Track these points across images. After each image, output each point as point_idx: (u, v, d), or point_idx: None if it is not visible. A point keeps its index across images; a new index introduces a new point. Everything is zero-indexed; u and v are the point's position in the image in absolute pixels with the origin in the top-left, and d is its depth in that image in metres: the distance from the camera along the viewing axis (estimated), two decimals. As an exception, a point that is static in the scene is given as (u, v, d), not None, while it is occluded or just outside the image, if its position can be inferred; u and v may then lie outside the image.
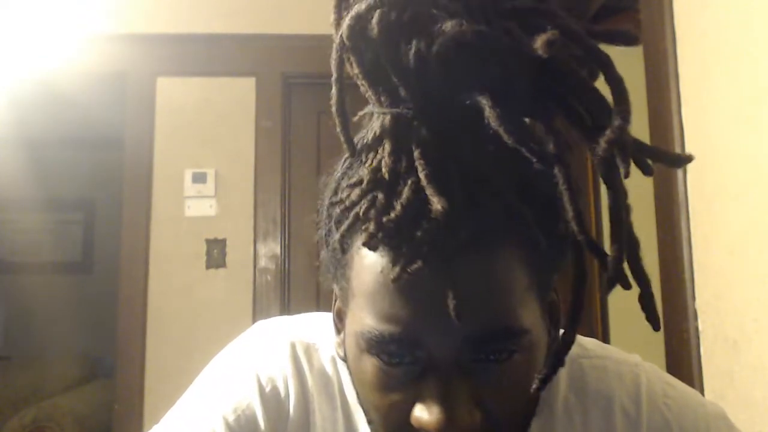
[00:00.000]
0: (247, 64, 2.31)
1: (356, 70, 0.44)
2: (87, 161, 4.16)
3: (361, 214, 0.45)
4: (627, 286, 0.41)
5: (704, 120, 1.30)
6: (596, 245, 0.42)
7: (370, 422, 0.53)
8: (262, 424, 0.59)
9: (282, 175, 2.27)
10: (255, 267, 2.22)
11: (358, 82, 0.45)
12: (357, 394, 0.54)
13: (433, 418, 0.45)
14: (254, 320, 2.17)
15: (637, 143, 0.42)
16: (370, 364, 0.49)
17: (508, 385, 0.47)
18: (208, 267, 2.22)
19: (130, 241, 2.22)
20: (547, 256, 0.47)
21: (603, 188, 1.64)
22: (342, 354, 0.57)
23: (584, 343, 0.65)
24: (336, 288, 0.56)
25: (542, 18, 0.40)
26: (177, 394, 0.66)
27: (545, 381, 0.43)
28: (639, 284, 0.42)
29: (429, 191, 0.41)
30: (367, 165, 0.46)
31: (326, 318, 0.67)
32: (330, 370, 0.63)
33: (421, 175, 0.42)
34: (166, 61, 2.30)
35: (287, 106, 2.33)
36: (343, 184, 0.49)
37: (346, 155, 0.48)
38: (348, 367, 0.54)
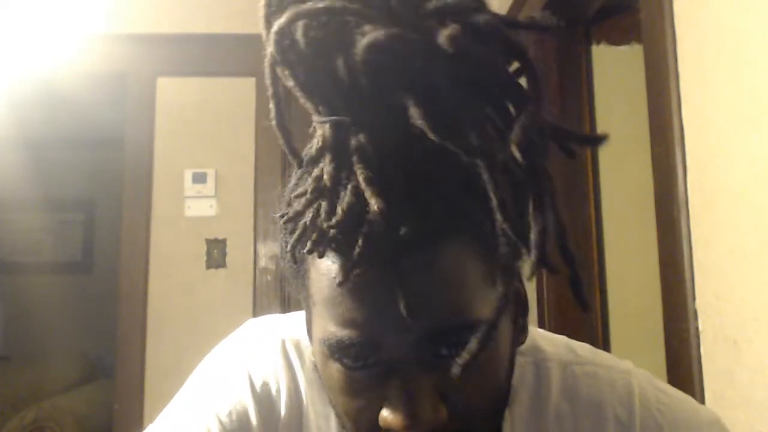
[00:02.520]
0: (247, 64, 2.31)
1: (291, 83, 0.45)
2: (87, 161, 4.16)
3: (307, 223, 0.46)
4: (554, 270, 0.41)
5: (704, 120, 1.30)
6: (519, 234, 0.41)
7: (342, 426, 0.53)
8: (254, 421, 0.59)
9: (282, 175, 2.27)
10: (255, 267, 2.22)
11: (296, 95, 0.45)
12: (330, 401, 0.54)
13: (398, 418, 0.45)
14: (254, 320, 2.18)
15: (555, 127, 0.42)
16: (335, 369, 0.49)
17: (474, 379, 0.47)
18: (208, 267, 2.22)
19: (130, 241, 2.22)
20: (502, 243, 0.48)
21: (604, 190, 1.64)
22: (315, 363, 0.57)
23: (576, 349, 0.64)
24: (302, 300, 0.56)
25: (454, 15, 0.41)
26: (177, 393, 0.66)
27: (487, 335, 0.43)
28: (566, 265, 0.42)
29: (367, 193, 0.42)
30: (311, 175, 0.46)
31: None
32: None
33: (360, 179, 0.42)
34: (166, 61, 2.30)
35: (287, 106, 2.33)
36: (292, 196, 0.49)
37: (294, 169, 0.49)
38: (319, 373, 0.55)
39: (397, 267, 0.44)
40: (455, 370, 0.43)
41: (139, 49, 2.29)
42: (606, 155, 2.12)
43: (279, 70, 0.44)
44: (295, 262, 0.52)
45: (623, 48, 2.15)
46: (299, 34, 0.42)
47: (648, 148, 1.45)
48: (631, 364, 0.64)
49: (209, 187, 2.24)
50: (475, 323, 0.45)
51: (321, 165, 0.45)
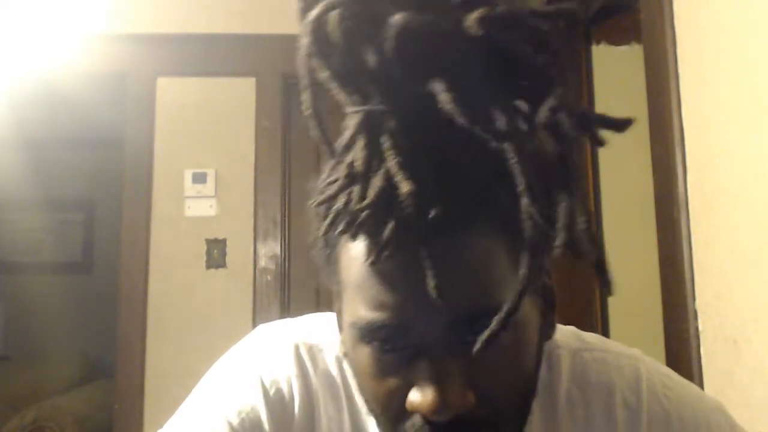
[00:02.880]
0: (247, 64, 2.31)
1: (325, 74, 0.45)
2: (87, 161, 4.16)
3: (340, 208, 0.47)
4: (578, 254, 0.42)
5: (704, 120, 1.30)
6: (543, 219, 0.42)
7: (371, 411, 0.54)
8: (266, 426, 0.59)
9: (282, 175, 2.27)
10: (255, 267, 2.22)
11: (329, 86, 0.46)
12: (357, 385, 0.55)
13: (427, 401, 0.46)
14: (254, 320, 2.18)
15: (583, 112, 0.43)
16: (365, 353, 0.50)
17: (501, 366, 0.48)
18: (208, 267, 2.22)
19: (130, 241, 2.22)
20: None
21: (604, 190, 1.64)
22: (344, 351, 0.58)
23: (585, 337, 0.66)
24: (333, 287, 0.57)
25: (482, 3, 0.42)
26: (177, 394, 0.66)
27: (509, 314, 0.44)
28: (592, 249, 0.43)
29: (397, 177, 0.43)
30: (344, 163, 0.47)
31: (329, 319, 0.67)
32: (335, 370, 0.63)
33: (391, 164, 0.44)
34: (166, 61, 2.30)
35: (287, 106, 2.33)
36: (326, 183, 0.50)
37: (329, 159, 0.50)
38: (348, 361, 0.56)
39: (427, 250, 0.44)
40: (477, 348, 0.43)
41: (139, 49, 2.29)
42: (606, 155, 2.12)
43: (313, 61, 0.45)
44: (327, 246, 0.53)
45: (623, 48, 2.15)
46: (333, 25, 0.43)
47: (648, 148, 1.45)
48: (639, 351, 0.65)
49: (209, 187, 2.24)
50: (502, 308, 0.46)
51: (353, 152, 0.46)
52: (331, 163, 0.51)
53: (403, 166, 0.43)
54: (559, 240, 0.41)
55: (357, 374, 0.53)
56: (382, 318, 0.47)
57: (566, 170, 0.42)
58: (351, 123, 0.47)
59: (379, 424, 0.53)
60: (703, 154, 1.31)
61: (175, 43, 2.31)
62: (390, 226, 0.44)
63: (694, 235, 1.34)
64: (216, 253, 2.22)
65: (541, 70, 0.43)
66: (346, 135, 0.47)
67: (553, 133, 0.41)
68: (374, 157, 0.45)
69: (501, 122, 0.41)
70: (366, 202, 0.45)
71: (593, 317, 2.25)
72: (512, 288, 0.47)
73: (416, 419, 0.48)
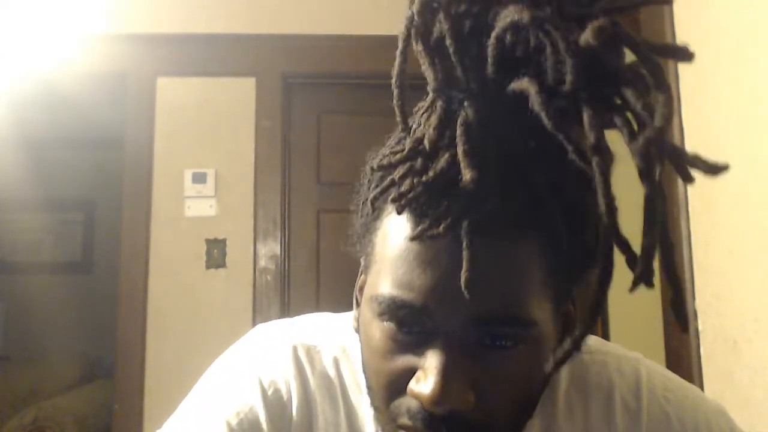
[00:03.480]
0: (247, 64, 2.31)
1: (420, 47, 0.45)
2: (87, 161, 4.16)
3: (396, 178, 0.47)
4: (650, 284, 0.41)
5: (704, 120, 1.30)
6: (624, 238, 0.42)
7: (368, 388, 0.54)
8: (265, 427, 0.59)
9: (282, 175, 2.27)
10: (255, 267, 2.22)
11: (420, 60, 0.46)
12: (362, 360, 0.55)
13: (428, 389, 0.46)
14: (254, 320, 2.18)
15: (676, 148, 0.42)
16: (379, 329, 0.50)
17: (507, 375, 0.48)
18: (208, 267, 2.22)
19: (130, 241, 2.22)
20: (568, 259, 0.48)
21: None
22: (356, 326, 0.58)
23: (585, 339, 0.65)
24: (362, 259, 0.58)
25: (600, 14, 0.41)
26: (177, 393, 0.66)
27: (558, 365, 0.43)
28: (671, 284, 0.41)
29: (463, 162, 0.43)
30: (411, 137, 0.47)
31: (327, 319, 0.67)
32: (332, 371, 0.63)
33: (459, 150, 0.43)
34: (166, 61, 2.30)
35: (287, 106, 2.33)
36: (389, 152, 0.50)
37: (397, 131, 0.50)
38: (359, 334, 0.56)
39: (469, 242, 0.44)
40: (566, 350, 0.42)
41: (139, 49, 2.29)
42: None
43: (413, 32, 0.45)
44: (374, 217, 0.53)
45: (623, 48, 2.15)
46: (444, 1, 0.43)
47: (648, 148, 1.45)
48: (639, 354, 0.65)
49: (209, 187, 2.24)
50: (527, 322, 0.46)
51: (424, 129, 0.46)
52: (399, 135, 0.51)
53: (470, 154, 0.43)
54: (638, 270, 0.40)
55: (365, 349, 0.53)
56: (407, 297, 0.47)
57: (652, 200, 0.41)
58: (429, 100, 0.47)
59: (373, 401, 0.53)
60: (703, 154, 1.31)
61: (175, 43, 2.31)
62: (443, 206, 0.45)
63: (693, 235, 1.34)
64: (216, 253, 2.22)
65: (644, 98, 0.41)
66: (421, 111, 0.48)
67: (643, 163, 0.40)
68: (444, 138, 0.45)
69: (591, 137, 0.40)
70: (426, 177, 0.45)
71: (593, 317, 2.25)
72: (541, 307, 0.47)
73: (412, 403, 0.48)
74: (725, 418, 0.62)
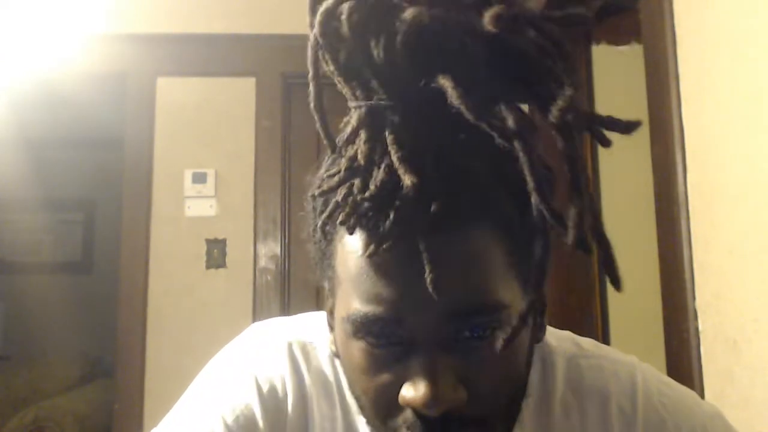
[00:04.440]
0: (247, 64, 2.31)
1: (331, 68, 0.46)
2: (87, 161, 4.15)
3: (339, 200, 0.47)
4: (587, 251, 0.42)
5: (704, 120, 1.30)
6: (557, 212, 0.43)
7: (361, 408, 0.54)
8: (261, 424, 0.59)
9: (282, 175, 2.27)
10: (255, 267, 2.22)
11: (335, 79, 0.46)
12: (348, 381, 0.55)
13: (419, 394, 0.46)
14: (254, 320, 2.17)
15: (591, 114, 0.43)
16: (357, 348, 0.50)
17: (492, 363, 0.48)
18: (208, 267, 2.22)
19: (130, 241, 2.22)
20: (523, 239, 0.49)
21: (604, 190, 1.64)
22: (335, 350, 0.58)
23: (581, 342, 0.65)
24: (325, 283, 0.58)
25: (498, 1, 0.42)
26: (177, 393, 0.66)
27: (509, 340, 0.45)
28: (599, 247, 0.43)
29: (401, 170, 0.43)
30: (345, 156, 0.47)
31: (322, 317, 0.68)
32: (328, 368, 0.63)
33: (394, 158, 0.44)
34: (166, 61, 2.30)
35: (287, 106, 2.33)
36: (325, 176, 0.50)
37: (328, 153, 0.50)
38: (339, 357, 0.56)
39: (425, 244, 0.45)
40: (500, 347, 0.44)
41: (139, 49, 2.29)
42: (606, 155, 2.12)
43: (320, 54, 0.45)
44: (324, 240, 0.53)
45: (623, 48, 2.15)
46: (343, 17, 0.43)
47: (648, 148, 1.45)
48: (635, 358, 0.65)
49: (209, 187, 2.24)
50: (497, 307, 0.47)
51: (355, 146, 0.46)
52: (331, 157, 0.51)
53: (405, 159, 0.43)
54: (569, 238, 0.41)
55: (348, 371, 0.53)
56: (378, 311, 0.47)
57: (575, 169, 0.42)
58: (354, 117, 0.47)
59: (369, 421, 0.53)
60: (703, 154, 1.31)
61: (175, 43, 2.31)
62: (391, 217, 0.45)
63: (693, 234, 1.34)
64: (216, 253, 2.22)
65: (551, 72, 0.43)
66: (348, 129, 0.48)
67: (562, 133, 0.41)
68: (377, 150, 0.45)
69: (510, 120, 0.41)
70: (368, 193, 0.45)
71: (593, 318, 2.25)
72: (508, 288, 0.48)
73: (408, 414, 0.48)
74: (722, 421, 0.62)
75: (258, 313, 2.19)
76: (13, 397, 3.40)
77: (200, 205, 2.24)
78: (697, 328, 1.32)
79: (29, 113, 3.03)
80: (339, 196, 0.47)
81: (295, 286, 2.28)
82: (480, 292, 0.47)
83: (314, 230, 0.55)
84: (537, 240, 0.46)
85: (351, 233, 0.48)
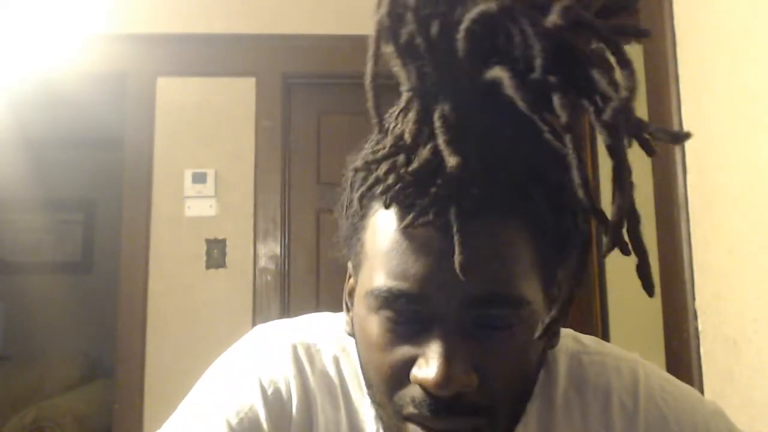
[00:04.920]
0: (247, 64, 2.31)
1: (391, 49, 0.46)
2: (87, 161, 4.15)
3: (381, 174, 0.48)
4: (626, 252, 0.43)
5: (704, 120, 1.30)
6: (599, 209, 0.43)
7: (369, 386, 0.54)
8: (265, 426, 0.59)
9: (282, 175, 2.27)
10: (255, 267, 2.22)
11: (391, 62, 0.47)
12: (360, 359, 0.56)
13: (432, 374, 0.47)
14: (254, 320, 2.18)
15: (641, 121, 0.44)
16: (376, 323, 0.51)
17: (506, 356, 0.49)
18: (208, 267, 2.22)
19: (130, 241, 2.22)
20: (553, 241, 0.49)
21: (604, 190, 1.64)
22: (350, 330, 0.59)
23: (583, 339, 0.66)
24: (350, 261, 0.58)
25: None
26: (177, 393, 0.66)
27: (548, 329, 0.45)
28: (637, 253, 0.43)
29: (446, 151, 0.44)
30: (391, 134, 0.48)
31: (326, 319, 0.68)
32: (332, 370, 0.63)
33: (440, 140, 0.44)
34: (166, 61, 2.30)
35: (287, 106, 2.33)
36: (369, 152, 0.51)
37: (374, 134, 0.51)
38: (355, 336, 0.56)
39: (459, 225, 0.46)
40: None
41: (139, 49, 2.29)
42: (606, 155, 2.12)
43: (383, 34, 0.46)
44: (362, 216, 0.54)
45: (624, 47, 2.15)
46: (412, 3, 0.44)
47: (648, 148, 1.45)
48: (637, 355, 0.65)
49: (209, 187, 2.24)
50: (519, 301, 0.48)
51: (403, 126, 0.47)
52: (377, 137, 0.52)
53: (451, 142, 0.44)
54: (610, 235, 0.42)
55: (363, 347, 0.54)
56: (403, 286, 0.48)
57: (621, 171, 0.43)
58: (404, 99, 0.48)
59: (376, 399, 0.54)
60: (703, 155, 1.31)
61: (175, 43, 2.31)
62: (430, 195, 0.46)
63: (693, 235, 1.34)
64: (216, 253, 2.22)
65: (608, 74, 0.43)
66: (397, 110, 0.49)
67: (611, 134, 0.42)
68: (423, 131, 0.46)
69: (563, 116, 0.41)
70: (411, 168, 0.46)
71: (593, 317, 2.25)
72: (531, 287, 0.49)
73: (416, 391, 0.49)
74: (723, 419, 0.62)
75: (258, 313, 2.19)
76: (13, 397, 3.40)
77: (200, 205, 2.24)
78: (697, 328, 1.32)
79: (29, 113, 3.03)
80: (381, 170, 0.48)
81: (295, 286, 2.28)
82: (504, 283, 0.48)
83: (350, 204, 0.55)
84: (573, 252, 0.46)
85: (388, 207, 0.49)
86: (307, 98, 2.35)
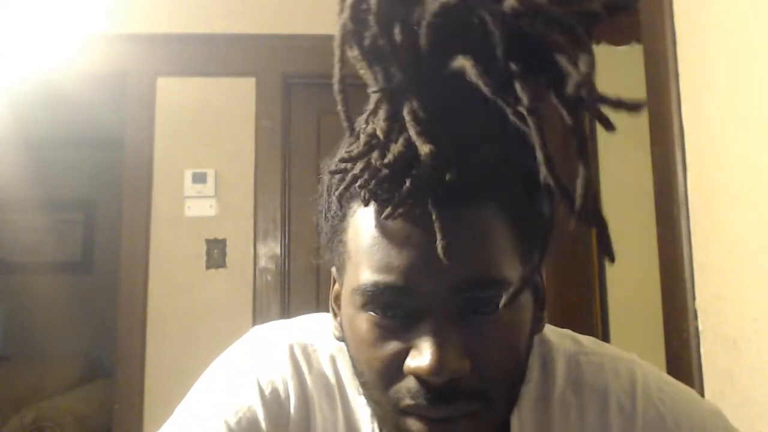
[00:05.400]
0: (247, 64, 2.31)
1: (356, 52, 0.47)
2: (87, 161, 4.16)
3: (357, 172, 0.49)
4: (590, 225, 0.44)
5: (704, 120, 1.30)
6: (563, 185, 0.44)
7: (363, 385, 0.55)
8: (263, 426, 0.59)
9: (282, 175, 2.27)
10: (255, 267, 2.22)
11: (357, 65, 0.48)
12: (352, 360, 0.56)
13: (425, 362, 0.47)
14: (254, 320, 2.18)
15: (602, 95, 0.44)
16: (364, 321, 0.51)
17: (496, 338, 0.50)
18: (208, 267, 2.22)
19: (130, 241, 2.22)
20: (529, 223, 0.50)
21: (604, 190, 1.65)
22: (339, 335, 0.59)
23: (581, 340, 0.66)
24: (334, 266, 0.59)
25: None
26: (177, 393, 0.66)
27: (513, 296, 0.45)
28: (596, 226, 0.44)
29: (418, 141, 0.45)
30: (363, 134, 0.49)
31: (323, 319, 0.68)
32: (329, 370, 0.63)
33: (412, 132, 0.45)
34: (166, 61, 2.30)
35: (287, 106, 2.33)
36: (343, 153, 0.52)
37: (345, 137, 0.52)
38: (345, 335, 0.57)
39: (438, 213, 0.46)
40: (502, 304, 0.45)
41: (139, 49, 2.29)
42: (606, 155, 2.12)
43: (348, 36, 0.47)
44: (341, 218, 0.54)
45: (623, 48, 2.15)
46: (372, 2, 0.45)
47: (648, 148, 1.45)
48: (635, 356, 0.65)
49: (209, 187, 2.24)
50: (503, 282, 0.48)
51: (374, 125, 0.48)
52: (349, 139, 0.52)
53: (423, 134, 0.45)
54: (577, 207, 0.43)
55: (353, 346, 0.54)
56: (388, 279, 0.49)
57: (582, 143, 0.44)
58: (372, 101, 0.49)
59: (371, 396, 0.54)
60: (703, 154, 1.31)
61: (175, 43, 2.31)
62: (407, 183, 0.46)
63: (693, 234, 1.34)
64: (216, 253, 2.22)
65: (566, 52, 0.44)
66: (367, 111, 0.49)
67: (571, 108, 0.43)
68: (395, 128, 0.47)
69: (525, 97, 0.42)
70: (385, 160, 0.47)
71: (593, 317, 2.25)
72: (513, 268, 0.49)
73: (411, 383, 0.49)
74: (721, 419, 0.62)
75: (258, 313, 2.19)
76: (13, 397, 3.40)
77: (200, 205, 2.24)
78: (697, 328, 1.32)
79: (29, 113, 3.03)
80: (357, 168, 0.49)
81: (295, 286, 2.28)
82: (487, 266, 0.49)
83: (329, 207, 0.56)
84: (542, 220, 0.47)
85: (366, 204, 0.50)
86: (307, 98, 2.35)
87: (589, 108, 0.43)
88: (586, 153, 0.43)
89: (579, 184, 0.43)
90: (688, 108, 1.36)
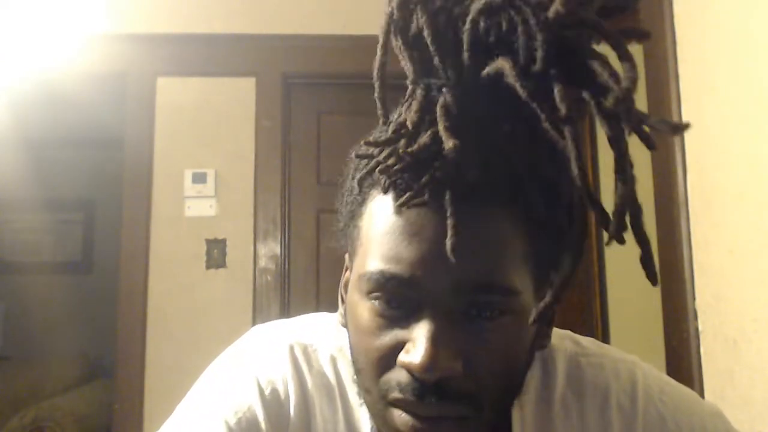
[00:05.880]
0: (247, 64, 2.31)
1: (399, 42, 0.48)
2: (87, 161, 4.16)
3: (381, 158, 0.49)
4: (621, 241, 0.43)
5: (704, 119, 1.30)
6: (597, 201, 0.44)
7: (357, 372, 0.55)
8: (263, 426, 0.59)
9: (282, 175, 2.27)
10: (255, 267, 2.22)
11: (399, 55, 0.48)
12: (351, 346, 0.56)
13: (417, 357, 0.47)
14: (254, 320, 2.18)
15: (641, 113, 0.44)
16: (367, 308, 0.51)
17: (492, 346, 0.49)
18: (208, 267, 2.22)
19: (130, 241, 2.22)
20: (546, 236, 0.49)
21: (604, 190, 1.65)
22: (342, 321, 0.59)
23: (581, 341, 0.66)
24: (347, 253, 0.59)
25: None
26: (177, 393, 0.66)
27: (542, 314, 0.45)
28: (640, 244, 0.44)
29: (445, 135, 0.45)
30: (393, 122, 0.50)
31: (323, 319, 0.68)
32: (329, 370, 0.63)
33: (440, 126, 0.45)
34: (166, 61, 2.30)
35: (287, 106, 2.33)
36: (371, 139, 0.52)
37: (379, 126, 0.53)
38: (346, 321, 0.57)
39: (453, 209, 0.46)
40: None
41: (139, 49, 2.29)
42: (606, 155, 2.12)
43: (392, 27, 0.48)
44: (360, 202, 0.54)
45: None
46: None
47: (648, 149, 1.45)
48: (636, 357, 0.65)
49: (209, 187, 2.24)
50: (509, 291, 0.48)
51: (405, 114, 0.48)
52: (381, 127, 0.53)
53: (450, 129, 0.45)
54: (612, 226, 0.42)
55: (353, 333, 0.54)
56: (395, 269, 0.49)
57: (622, 157, 0.43)
58: (408, 93, 0.49)
59: (363, 384, 0.54)
60: (703, 154, 1.31)
61: (175, 43, 2.31)
62: (426, 178, 0.47)
63: (693, 235, 1.34)
64: (216, 253, 2.22)
65: (609, 66, 0.44)
66: (402, 101, 0.50)
67: (611, 123, 0.42)
68: (425, 120, 0.47)
69: (563, 106, 0.42)
70: (411, 150, 0.47)
71: (593, 317, 2.25)
72: (522, 278, 0.49)
73: (402, 375, 0.49)
74: (721, 420, 0.62)
75: (258, 313, 2.19)
76: (13, 397, 3.40)
77: (200, 205, 2.24)
78: (697, 328, 1.32)
79: (29, 113, 3.03)
80: (381, 155, 0.49)
81: (295, 286, 2.28)
82: (495, 271, 0.48)
83: (350, 191, 0.56)
84: (567, 249, 0.47)
85: (385, 192, 0.50)
86: (307, 98, 2.35)
87: (630, 124, 0.42)
88: (624, 168, 0.43)
89: (617, 200, 0.43)
90: (688, 108, 1.36)
